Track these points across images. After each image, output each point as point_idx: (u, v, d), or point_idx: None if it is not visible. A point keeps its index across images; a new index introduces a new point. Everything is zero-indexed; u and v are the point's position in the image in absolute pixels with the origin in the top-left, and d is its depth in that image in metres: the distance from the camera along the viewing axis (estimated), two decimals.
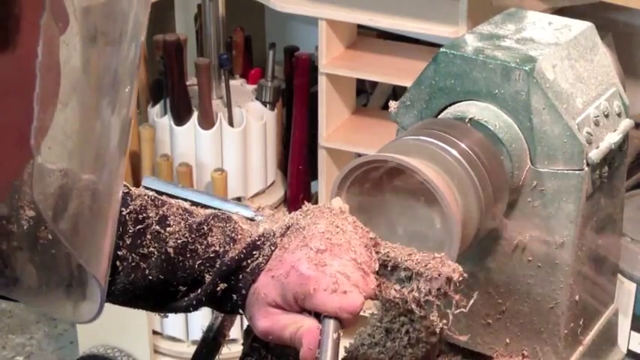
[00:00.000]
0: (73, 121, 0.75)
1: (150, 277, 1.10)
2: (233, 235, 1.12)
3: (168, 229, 1.11)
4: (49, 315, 3.03)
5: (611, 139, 1.21)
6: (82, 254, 0.76)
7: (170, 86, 2.73)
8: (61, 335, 3.23)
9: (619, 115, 1.25)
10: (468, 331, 1.25)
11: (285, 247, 1.07)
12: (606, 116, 1.23)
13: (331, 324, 1.03)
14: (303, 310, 1.05)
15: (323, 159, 2.73)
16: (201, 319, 2.73)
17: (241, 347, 1.21)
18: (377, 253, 1.08)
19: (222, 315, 1.34)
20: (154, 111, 2.80)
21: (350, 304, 1.02)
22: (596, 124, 1.20)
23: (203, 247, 1.11)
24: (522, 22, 1.28)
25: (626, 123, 1.25)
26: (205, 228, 1.12)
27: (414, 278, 1.07)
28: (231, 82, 2.83)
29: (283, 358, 1.20)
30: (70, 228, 0.75)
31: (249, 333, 1.20)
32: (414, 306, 1.07)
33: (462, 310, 1.06)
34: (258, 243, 1.10)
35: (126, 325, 2.82)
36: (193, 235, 1.11)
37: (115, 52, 0.75)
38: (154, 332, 2.87)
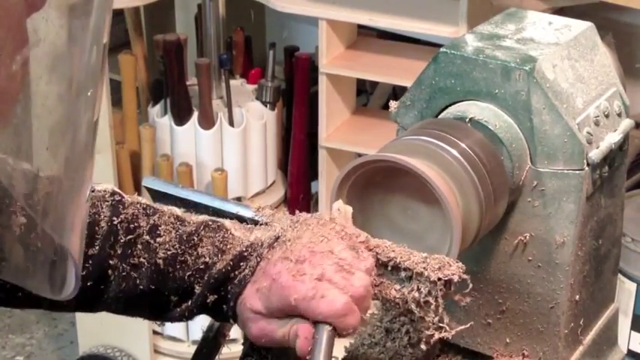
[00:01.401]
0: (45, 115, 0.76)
1: (141, 287, 1.12)
2: (222, 245, 1.12)
3: (158, 239, 1.12)
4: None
5: (611, 139, 1.21)
6: (55, 228, 0.78)
7: (170, 86, 2.73)
8: (61, 335, 3.23)
9: (619, 115, 1.25)
10: (468, 331, 1.25)
11: (269, 258, 1.09)
12: (606, 116, 1.22)
13: (325, 329, 1.03)
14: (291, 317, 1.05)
15: (323, 159, 2.72)
16: (202, 319, 2.73)
17: (241, 347, 1.21)
18: (375, 255, 1.08)
19: None
20: (154, 111, 2.80)
21: (330, 306, 1.02)
22: (597, 124, 1.20)
23: (193, 258, 1.12)
24: (522, 22, 1.28)
25: (626, 123, 1.25)
26: (196, 239, 1.12)
27: (414, 278, 1.07)
28: (231, 82, 2.83)
29: (283, 358, 1.20)
30: (42, 206, 0.77)
31: None
32: (413, 306, 1.07)
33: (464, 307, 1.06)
34: (245, 254, 1.11)
35: (126, 325, 2.81)
36: (183, 247, 1.12)
37: (77, 57, 0.75)
38: (154, 332, 2.88)
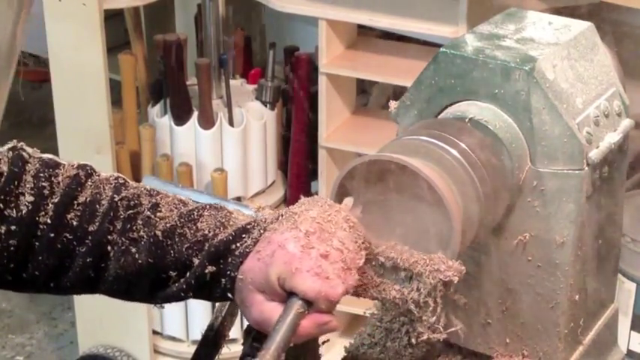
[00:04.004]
0: None
1: (139, 262, 1.11)
2: (224, 221, 1.12)
3: (158, 214, 1.13)
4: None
5: (611, 139, 1.21)
6: None
7: (170, 86, 2.73)
8: (61, 335, 3.22)
9: (619, 114, 1.25)
10: (468, 331, 1.25)
11: (275, 229, 1.08)
12: (606, 116, 1.23)
13: (298, 303, 1.03)
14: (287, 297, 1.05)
15: (323, 159, 2.72)
16: (202, 319, 2.73)
17: (241, 347, 1.21)
18: (367, 254, 1.08)
19: (222, 315, 1.34)
20: (154, 111, 2.80)
21: (331, 290, 1.03)
22: (596, 124, 1.20)
23: (192, 231, 1.12)
24: (522, 22, 1.28)
25: (626, 123, 1.25)
26: (196, 214, 1.13)
27: (414, 279, 1.07)
28: (231, 82, 2.83)
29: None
30: None
31: (249, 333, 1.20)
32: (412, 307, 1.07)
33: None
34: (249, 227, 1.11)
35: (126, 325, 2.82)
36: (183, 220, 1.12)
37: None
38: (154, 332, 2.87)
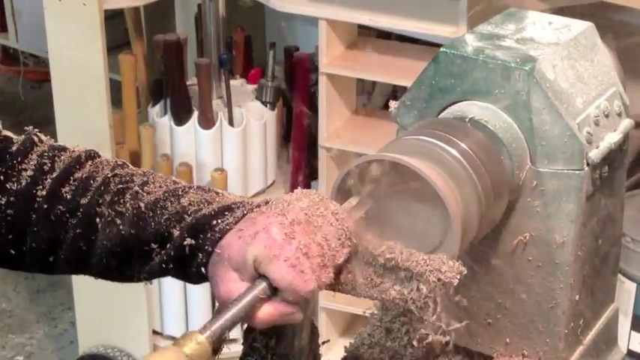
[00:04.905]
0: None
1: (123, 232, 1.13)
2: (209, 199, 1.14)
3: (146, 188, 1.15)
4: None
5: (611, 138, 1.21)
6: None
7: (170, 86, 2.73)
8: (61, 335, 3.23)
9: (619, 114, 1.25)
10: (468, 331, 1.25)
11: (262, 211, 1.09)
12: (606, 116, 1.23)
13: (262, 287, 1.04)
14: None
15: (323, 159, 2.72)
16: (202, 319, 2.73)
17: (241, 347, 1.21)
18: (352, 251, 1.09)
19: None
20: (154, 111, 2.80)
21: (302, 285, 1.03)
22: (596, 123, 1.20)
23: (174, 205, 1.13)
24: (522, 22, 1.28)
25: (626, 123, 1.25)
26: (181, 191, 1.15)
27: (414, 279, 1.07)
28: (231, 82, 2.83)
29: (284, 359, 1.20)
30: None
31: (249, 333, 1.20)
32: (413, 307, 1.07)
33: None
34: (233, 206, 1.12)
35: (126, 325, 2.82)
36: (167, 195, 1.14)
37: None
38: (154, 332, 2.88)
